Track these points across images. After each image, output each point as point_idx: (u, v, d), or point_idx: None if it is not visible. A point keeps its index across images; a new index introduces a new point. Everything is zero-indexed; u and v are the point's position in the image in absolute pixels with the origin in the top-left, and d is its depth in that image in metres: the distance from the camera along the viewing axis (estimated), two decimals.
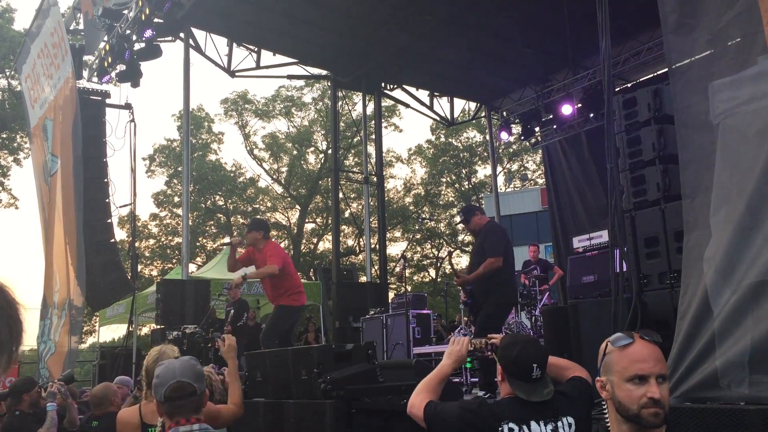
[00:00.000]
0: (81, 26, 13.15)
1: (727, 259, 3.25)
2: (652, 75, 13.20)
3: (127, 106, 11.99)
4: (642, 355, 1.84)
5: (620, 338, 1.91)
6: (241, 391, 3.91)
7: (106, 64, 11.84)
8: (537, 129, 15.71)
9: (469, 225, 7.03)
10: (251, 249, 7.49)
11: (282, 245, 37.03)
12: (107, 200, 11.93)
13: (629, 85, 13.26)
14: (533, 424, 2.60)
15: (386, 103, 22.50)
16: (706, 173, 3.57)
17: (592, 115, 14.13)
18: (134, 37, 11.25)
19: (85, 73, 12.93)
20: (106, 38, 11.87)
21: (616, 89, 12.17)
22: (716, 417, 3.06)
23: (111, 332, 27.05)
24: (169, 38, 12.02)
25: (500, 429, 2.58)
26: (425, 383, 2.97)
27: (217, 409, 3.76)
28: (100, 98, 12.32)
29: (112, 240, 12.17)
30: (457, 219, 7.12)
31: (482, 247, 6.76)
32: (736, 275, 3.18)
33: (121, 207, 12.45)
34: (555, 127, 15.30)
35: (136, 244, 23.78)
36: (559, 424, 2.63)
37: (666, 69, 12.79)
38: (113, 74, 12.04)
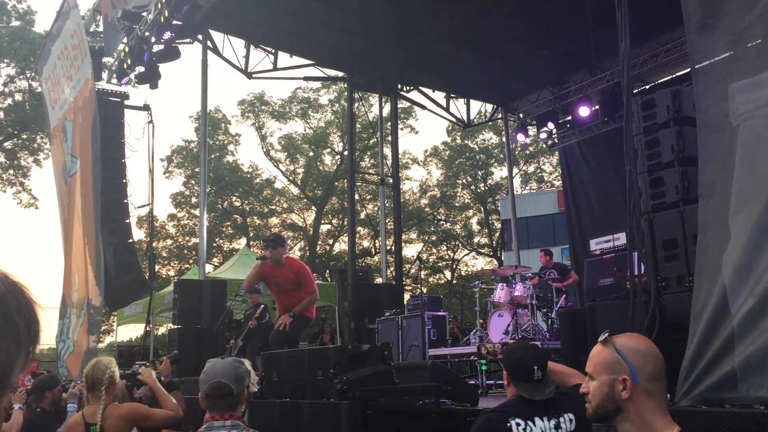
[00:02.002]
0: (100, 28, 13.28)
1: (745, 260, 3.22)
2: (670, 77, 13.09)
3: (146, 108, 12.09)
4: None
5: None
6: (170, 398, 4.37)
7: (125, 66, 11.95)
8: (554, 131, 15.63)
9: None
10: (267, 264, 7.35)
11: (297, 246, 37.27)
12: (125, 201, 12.04)
13: (648, 86, 13.16)
14: (537, 419, 2.86)
15: (402, 104, 22.48)
16: (723, 174, 3.54)
17: (606, 118, 14.03)
18: (153, 39, 11.33)
19: (105, 75, 13.05)
20: (125, 40, 11.98)
21: (635, 91, 12.09)
22: (734, 421, 3.03)
23: (128, 332, 27.32)
24: (188, 40, 12.11)
25: (509, 425, 2.83)
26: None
27: (148, 411, 4.22)
28: (118, 99, 12.45)
29: (130, 240, 12.27)
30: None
31: None
32: (755, 277, 3.15)
33: (139, 207, 12.56)
34: (572, 128, 15.22)
35: (154, 245, 23.97)
36: (561, 419, 2.89)
37: (685, 70, 12.66)
38: (132, 76, 12.15)
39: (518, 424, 2.83)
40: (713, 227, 3.53)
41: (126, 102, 12.44)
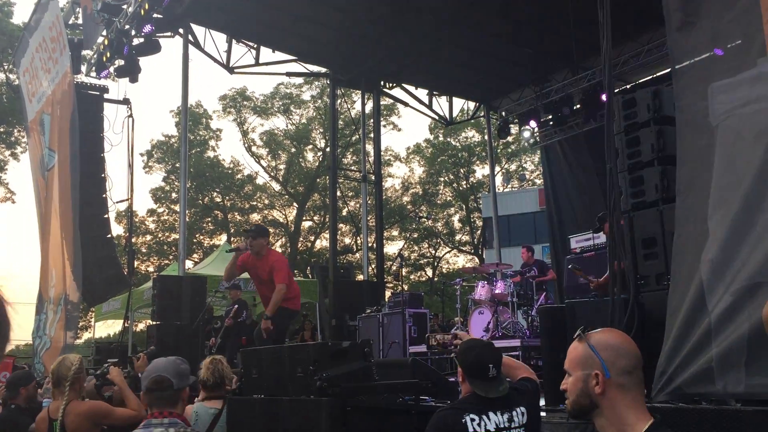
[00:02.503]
0: (80, 20, 13.11)
1: (722, 257, 3.25)
2: (651, 76, 13.20)
3: (125, 102, 11.96)
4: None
5: None
6: (134, 398, 4.43)
7: (104, 59, 11.81)
8: (536, 129, 15.70)
9: (603, 230, 7.91)
10: (248, 255, 7.36)
11: (279, 243, 37.10)
12: (104, 195, 11.91)
13: (628, 86, 13.26)
14: (491, 414, 2.98)
15: (385, 101, 22.48)
16: (700, 172, 3.57)
17: (587, 117, 14.11)
18: (133, 32, 11.22)
19: (84, 68, 12.89)
20: (104, 33, 11.84)
21: (616, 90, 12.15)
22: (711, 417, 3.05)
23: (107, 328, 27.02)
24: (168, 34, 11.98)
25: (464, 420, 2.93)
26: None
27: (110, 410, 4.29)
28: (98, 93, 12.30)
29: (109, 235, 12.14)
30: (597, 225, 8.21)
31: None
32: (731, 274, 3.18)
33: (118, 202, 12.43)
34: (554, 127, 15.29)
35: (133, 240, 23.72)
36: (514, 413, 3.02)
37: (665, 71, 12.74)
38: (111, 69, 12.01)
39: (473, 420, 2.94)
40: (690, 224, 3.56)
41: (105, 95, 12.30)
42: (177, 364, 3.11)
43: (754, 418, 2.88)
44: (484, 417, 2.96)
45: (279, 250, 35.67)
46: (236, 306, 11.05)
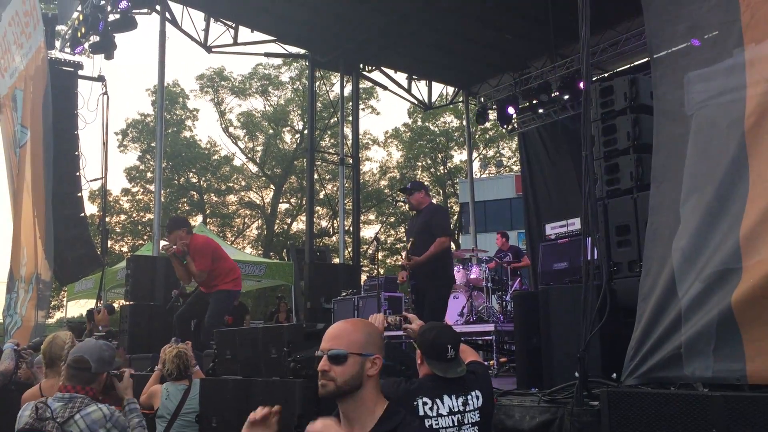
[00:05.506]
0: None
1: (693, 245, 3.30)
2: (629, 65, 13.28)
3: (100, 79, 11.74)
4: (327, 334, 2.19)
5: None
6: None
7: (79, 35, 11.59)
8: (514, 115, 15.74)
9: (411, 198, 6.96)
10: (178, 249, 7.35)
11: (255, 225, 36.72)
12: (78, 173, 11.73)
13: (606, 74, 13.33)
14: (445, 398, 2.99)
15: (364, 84, 22.37)
16: (674, 161, 3.61)
17: (565, 104, 14.17)
18: (109, 8, 11.03)
19: (58, 44, 12.63)
20: (79, 8, 11.61)
21: (594, 78, 12.22)
22: (678, 402, 3.10)
23: (79, 307, 26.71)
24: (145, 10, 11.80)
25: (415, 403, 2.92)
26: None
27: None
28: (72, 69, 12.05)
29: (82, 214, 11.98)
30: (407, 186, 7.15)
31: (428, 226, 6.72)
32: (702, 261, 3.23)
33: (92, 181, 12.25)
34: (532, 114, 15.34)
35: (107, 220, 23.44)
36: (469, 396, 3.03)
37: (643, 60, 12.82)
38: (86, 45, 11.80)
39: (425, 403, 2.94)
40: (663, 211, 3.61)
41: (79, 72, 12.06)
42: (102, 350, 3.27)
43: (720, 403, 2.93)
44: (437, 401, 2.97)
45: (255, 232, 35.51)
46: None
